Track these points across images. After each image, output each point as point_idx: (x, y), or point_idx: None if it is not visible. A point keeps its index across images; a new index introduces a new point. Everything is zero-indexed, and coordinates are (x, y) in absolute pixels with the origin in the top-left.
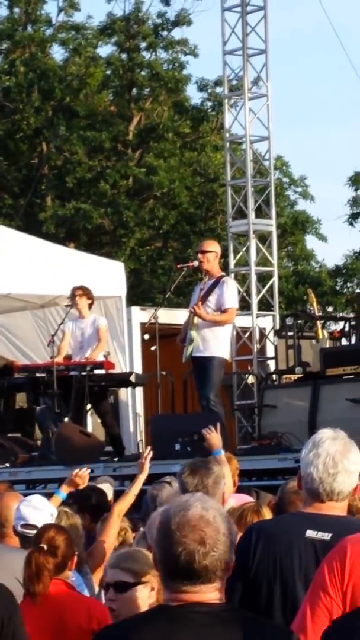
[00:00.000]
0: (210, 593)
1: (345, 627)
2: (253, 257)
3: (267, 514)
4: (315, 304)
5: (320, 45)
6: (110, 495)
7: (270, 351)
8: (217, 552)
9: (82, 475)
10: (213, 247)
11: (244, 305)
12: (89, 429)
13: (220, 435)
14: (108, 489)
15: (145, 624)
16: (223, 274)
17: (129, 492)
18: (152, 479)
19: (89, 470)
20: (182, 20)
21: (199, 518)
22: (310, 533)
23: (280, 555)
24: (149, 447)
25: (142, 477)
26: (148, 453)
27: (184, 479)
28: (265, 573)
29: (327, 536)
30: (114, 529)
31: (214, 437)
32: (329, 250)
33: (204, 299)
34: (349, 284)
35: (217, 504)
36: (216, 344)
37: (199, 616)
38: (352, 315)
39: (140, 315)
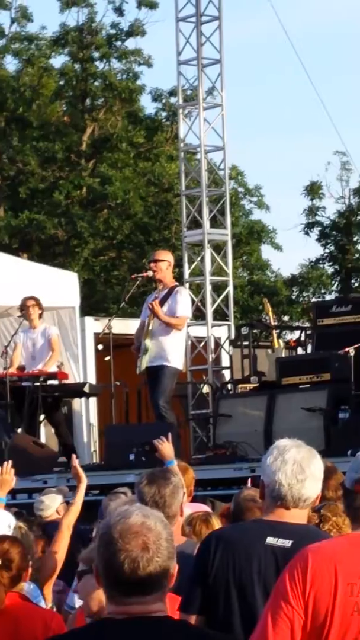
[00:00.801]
0: (154, 604)
1: None
2: (208, 266)
3: (217, 524)
4: (270, 313)
5: (275, 54)
6: (60, 504)
7: (225, 361)
8: (160, 558)
9: (4, 471)
10: (165, 256)
11: (199, 315)
12: (43, 439)
13: (174, 444)
14: (53, 500)
15: (90, 637)
16: (176, 283)
17: (73, 502)
18: (107, 489)
19: (10, 463)
20: (136, 30)
21: (140, 525)
22: (270, 540)
23: (240, 562)
24: (73, 455)
25: (82, 486)
26: (74, 461)
27: (141, 488)
28: (224, 579)
29: (287, 543)
30: (65, 541)
31: (166, 447)
32: (284, 260)
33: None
34: (304, 293)
35: (157, 512)
36: (170, 353)
37: (144, 629)
38: (307, 324)
39: (94, 325)
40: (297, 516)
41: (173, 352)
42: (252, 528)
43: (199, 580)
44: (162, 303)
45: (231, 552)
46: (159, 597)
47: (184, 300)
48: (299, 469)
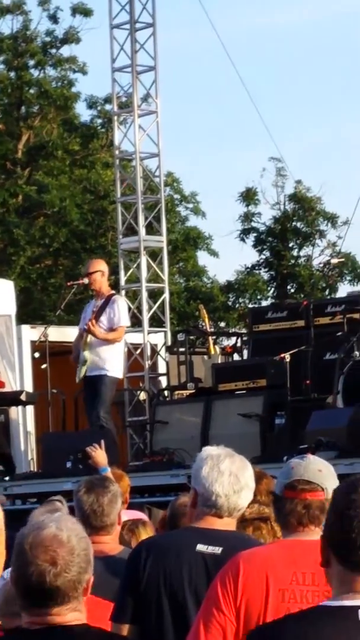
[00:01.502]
0: (68, 614)
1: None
2: (144, 273)
3: (144, 532)
4: (206, 319)
5: (210, 61)
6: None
7: (162, 367)
8: (69, 574)
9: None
10: (98, 266)
11: (135, 322)
12: None
13: (112, 452)
14: None
15: None
16: (113, 292)
17: None
18: (44, 497)
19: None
20: (70, 38)
21: (52, 538)
22: (200, 547)
23: (170, 569)
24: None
25: None
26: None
27: (79, 497)
28: (155, 587)
29: (217, 550)
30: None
31: (99, 454)
32: (220, 266)
33: (96, 318)
34: (240, 300)
35: (74, 524)
36: (109, 363)
37: (57, 638)
38: (244, 330)
39: (31, 333)
40: (228, 524)
41: (112, 361)
42: (183, 536)
43: (130, 589)
44: (99, 312)
45: (162, 560)
46: (73, 607)
47: (121, 310)
48: (235, 479)
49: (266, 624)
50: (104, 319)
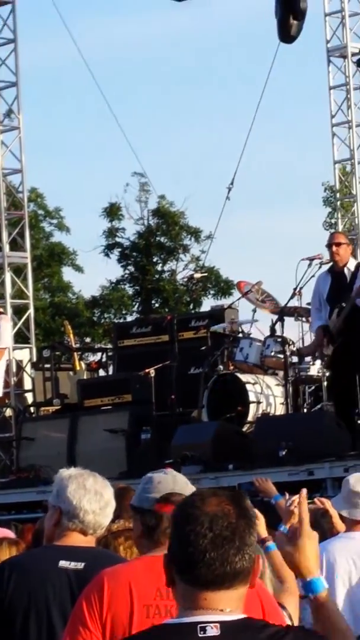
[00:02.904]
0: None
1: None
2: (8, 289)
3: (8, 551)
4: (71, 335)
5: (73, 77)
6: None
7: (27, 383)
8: None
9: None
10: None
11: None
12: None
13: None
14: None
15: None
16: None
17: None
18: None
19: None
20: None
21: None
22: (63, 563)
23: (34, 587)
24: None
25: None
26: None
27: None
28: (20, 605)
29: (80, 565)
30: None
31: None
32: (85, 281)
33: None
34: (106, 315)
35: None
36: None
37: None
38: (109, 345)
39: None
40: (89, 541)
41: None
42: (45, 553)
43: None
44: None
45: (25, 578)
46: None
47: (3, 331)
48: (100, 497)
49: None
50: None
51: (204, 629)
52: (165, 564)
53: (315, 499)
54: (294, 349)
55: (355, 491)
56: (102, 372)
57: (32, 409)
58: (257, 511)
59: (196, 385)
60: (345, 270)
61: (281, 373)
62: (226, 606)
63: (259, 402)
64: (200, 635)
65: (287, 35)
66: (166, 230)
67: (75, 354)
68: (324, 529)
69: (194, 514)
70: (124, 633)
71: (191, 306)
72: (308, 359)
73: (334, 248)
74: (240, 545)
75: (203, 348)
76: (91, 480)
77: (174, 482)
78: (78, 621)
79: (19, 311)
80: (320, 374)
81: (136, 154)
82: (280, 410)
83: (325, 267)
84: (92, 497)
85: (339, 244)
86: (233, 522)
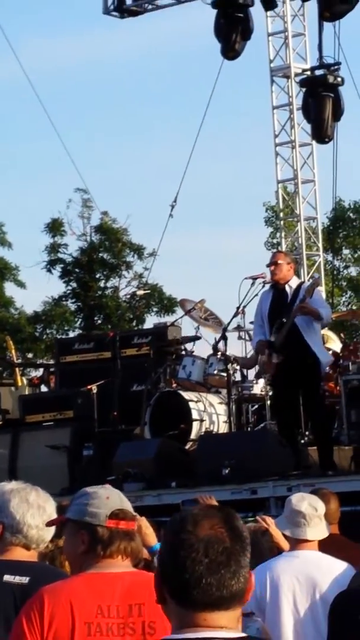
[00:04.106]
0: None
1: None
2: None
3: None
4: (13, 350)
5: (15, 93)
6: None
7: None
8: None
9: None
10: None
11: None
12: None
13: None
14: None
15: None
16: None
17: None
18: None
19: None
20: None
21: None
22: (7, 578)
23: None
24: None
25: None
26: None
27: None
28: None
29: (25, 580)
30: None
31: None
32: (27, 297)
33: None
34: (48, 331)
35: None
36: None
37: None
38: (51, 361)
39: None
40: (32, 556)
41: None
42: None
43: None
44: None
45: None
46: None
47: None
48: (43, 511)
49: None
50: None
51: None
52: (157, 584)
53: (257, 517)
54: (237, 366)
55: (297, 510)
56: (44, 388)
57: None
58: (145, 519)
59: (138, 402)
60: (287, 288)
61: (224, 391)
62: (227, 625)
63: (202, 420)
64: None
65: (231, 50)
66: (109, 247)
67: (17, 369)
68: (263, 548)
69: (188, 540)
70: None
71: (134, 323)
72: (251, 377)
73: (272, 267)
74: (236, 569)
75: (146, 365)
76: (34, 494)
77: (120, 498)
78: (18, 639)
79: None
80: (263, 393)
81: (79, 170)
82: (223, 428)
83: (268, 286)
84: (35, 512)
85: (277, 264)
86: (228, 547)
